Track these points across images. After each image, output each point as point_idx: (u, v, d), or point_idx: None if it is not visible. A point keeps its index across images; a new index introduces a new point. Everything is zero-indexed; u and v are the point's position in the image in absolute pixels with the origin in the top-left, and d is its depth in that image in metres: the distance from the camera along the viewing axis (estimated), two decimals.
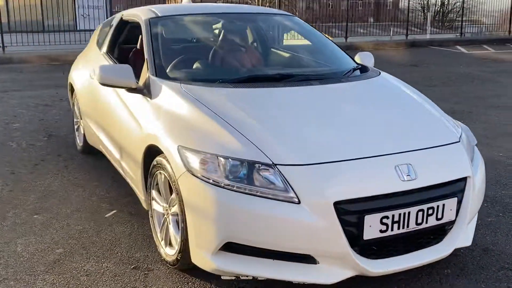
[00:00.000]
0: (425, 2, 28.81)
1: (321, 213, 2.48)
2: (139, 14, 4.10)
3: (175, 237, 2.99)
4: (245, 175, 2.60)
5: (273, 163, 2.58)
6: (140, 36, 4.63)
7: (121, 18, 4.58)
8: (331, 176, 2.55)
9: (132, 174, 3.56)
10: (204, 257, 2.69)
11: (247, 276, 2.70)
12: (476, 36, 19.09)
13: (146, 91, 3.41)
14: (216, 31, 4.01)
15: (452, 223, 2.81)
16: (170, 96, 3.20)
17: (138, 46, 4.67)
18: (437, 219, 2.71)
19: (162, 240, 3.19)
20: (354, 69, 3.77)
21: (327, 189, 2.51)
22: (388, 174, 2.62)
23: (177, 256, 2.93)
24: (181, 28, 4.10)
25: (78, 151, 5.38)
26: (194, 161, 2.70)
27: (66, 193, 4.29)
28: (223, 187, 2.58)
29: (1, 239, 3.47)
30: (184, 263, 2.92)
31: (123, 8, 18.83)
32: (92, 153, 5.16)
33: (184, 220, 2.79)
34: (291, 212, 2.50)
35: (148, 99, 3.35)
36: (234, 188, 2.57)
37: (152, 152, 3.18)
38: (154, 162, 3.11)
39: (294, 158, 2.59)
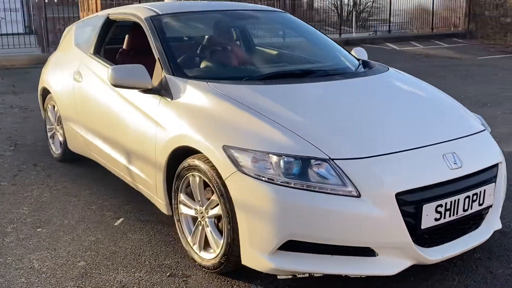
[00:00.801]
0: (338, 2, 29.68)
1: (383, 205, 2.50)
2: (135, 13, 3.93)
3: (216, 240, 2.90)
4: (299, 171, 2.57)
5: (329, 157, 2.56)
6: (127, 36, 4.47)
7: (108, 17, 4.38)
8: (390, 168, 2.58)
9: (148, 179, 3.42)
10: (259, 258, 2.62)
11: (304, 274, 2.67)
12: (403, 33, 19.92)
13: (164, 91, 3.27)
14: (221, 29, 3.93)
15: (488, 207, 2.92)
16: (197, 95, 3.09)
17: (124, 46, 4.49)
18: (479, 204, 2.81)
19: (194, 244, 3.08)
20: (360, 64, 3.82)
21: (388, 181, 2.53)
22: (439, 163, 2.69)
23: (220, 259, 2.84)
24: (185, 26, 3.98)
25: (54, 159, 5.08)
26: (245, 160, 2.63)
27: (60, 204, 4.04)
28: (281, 185, 2.54)
29: (11, 256, 3.22)
30: (229, 266, 2.84)
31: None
32: (72, 161, 4.91)
33: (231, 222, 2.71)
34: (353, 206, 2.50)
35: (168, 99, 3.22)
36: (291, 185, 2.54)
37: (178, 154, 3.07)
38: (185, 164, 3.00)
39: (351, 152, 2.59)
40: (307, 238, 2.54)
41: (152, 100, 3.34)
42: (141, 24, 3.81)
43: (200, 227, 3.03)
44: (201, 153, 2.89)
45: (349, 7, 25.03)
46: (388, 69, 3.75)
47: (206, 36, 3.97)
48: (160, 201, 3.37)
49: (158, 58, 3.42)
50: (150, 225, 3.65)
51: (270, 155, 2.61)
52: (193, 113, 3.02)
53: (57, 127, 4.99)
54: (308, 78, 3.32)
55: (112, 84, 3.36)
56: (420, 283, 2.87)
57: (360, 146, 2.65)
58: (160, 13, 3.84)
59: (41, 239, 3.44)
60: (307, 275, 2.67)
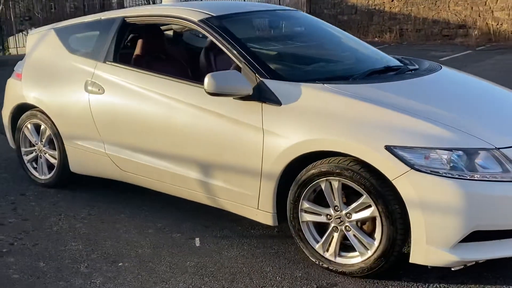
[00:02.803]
0: (151, 1, 29.50)
1: None
2: (181, 15, 3.60)
3: (366, 243, 2.85)
4: (468, 163, 2.66)
5: (495, 147, 2.69)
6: (141, 41, 4.10)
7: (124, 20, 3.93)
8: None
9: (246, 191, 3.19)
10: (438, 253, 2.65)
11: (472, 262, 2.76)
12: None
13: (265, 97, 3.09)
14: (280, 29, 3.79)
15: None
16: (319, 97, 2.97)
17: (138, 52, 4.09)
18: None
19: (326, 252, 2.98)
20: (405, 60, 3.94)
21: None
22: None
23: (375, 261, 2.81)
24: (244, 28, 3.73)
25: (41, 185, 4.40)
26: (417, 158, 2.64)
27: (108, 233, 3.54)
28: (459, 178, 2.60)
29: None
30: (384, 267, 2.82)
31: None
32: (65, 185, 4.33)
33: (394, 222, 2.70)
34: None
35: (275, 105, 3.05)
36: (468, 177, 2.62)
37: (295, 161, 2.96)
38: (315, 170, 2.90)
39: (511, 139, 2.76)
40: (489, 227, 2.64)
41: (249, 107, 3.12)
42: (196, 28, 3.52)
43: (336, 233, 2.95)
44: (342, 156, 2.83)
45: None
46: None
47: (274, 37, 3.78)
48: (263, 213, 3.18)
49: (245, 63, 3.21)
50: (235, 240, 3.41)
51: (438, 150, 2.65)
52: (323, 117, 2.91)
53: (44, 148, 4.34)
54: (404, 74, 3.38)
55: (210, 92, 3.08)
56: None
57: None
58: (214, 14, 3.58)
59: (135, 274, 3.01)
60: (473, 262, 2.78)
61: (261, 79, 3.14)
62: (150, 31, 4.15)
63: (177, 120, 3.43)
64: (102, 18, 4.14)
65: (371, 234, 2.87)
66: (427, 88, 3.25)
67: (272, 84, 3.11)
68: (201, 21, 3.51)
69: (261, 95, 3.11)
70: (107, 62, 3.88)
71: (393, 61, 3.75)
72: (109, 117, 3.81)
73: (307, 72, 3.42)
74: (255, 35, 3.77)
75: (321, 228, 3.05)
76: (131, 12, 4.01)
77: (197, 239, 3.43)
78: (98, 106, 3.85)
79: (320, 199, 3.02)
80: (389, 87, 3.13)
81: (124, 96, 3.72)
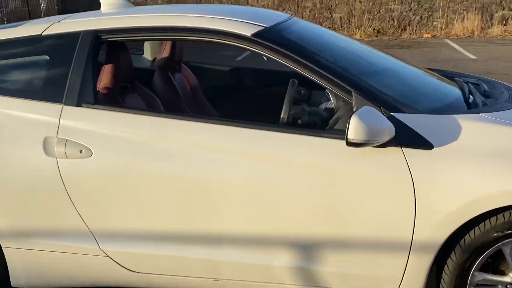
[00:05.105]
0: None
1: None
2: (224, 30, 2.38)
3: None
4: None
5: None
6: (111, 67, 2.73)
7: (97, 37, 2.46)
8: None
9: (384, 272, 2.27)
10: None
11: None
12: None
13: (408, 138, 2.19)
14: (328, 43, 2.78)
15: None
16: (487, 133, 2.22)
17: (106, 82, 2.66)
18: None
19: None
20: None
21: None
22: None
23: None
24: (304, 41, 2.60)
25: None
26: None
27: None
28: None
29: None
30: None
31: None
32: None
33: None
34: None
35: (425, 149, 2.17)
36: None
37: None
38: (497, 232, 2.17)
39: None
40: None
41: (384, 155, 2.19)
42: (247, 45, 2.37)
43: None
44: None
45: None
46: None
47: (335, 53, 2.72)
48: None
49: (356, 92, 2.24)
50: None
51: None
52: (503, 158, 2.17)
53: None
54: (502, 93, 2.77)
55: (358, 143, 2.05)
56: None
57: None
58: (267, 26, 2.47)
59: None
60: None
61: (389, 113, 2.24)
62: (118, 50, 2.73)
63: (258, 187, 2.28)
64: (45, 33, 2.56)
65: None
66: None
67: (412, 119, 2.22)
68: (256, 35, 2.38)
69: (399, 136, 2.22)
70: (84, 105, 2.40)
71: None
72: (106, 194, 2.38)
73: (427, 100, 2.57)
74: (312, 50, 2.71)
75: None
76: (107, 23, 2.54)
77: None
78: (82, 179, 2.38)
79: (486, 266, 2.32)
80: None
81: (141, 157, 2.34)
